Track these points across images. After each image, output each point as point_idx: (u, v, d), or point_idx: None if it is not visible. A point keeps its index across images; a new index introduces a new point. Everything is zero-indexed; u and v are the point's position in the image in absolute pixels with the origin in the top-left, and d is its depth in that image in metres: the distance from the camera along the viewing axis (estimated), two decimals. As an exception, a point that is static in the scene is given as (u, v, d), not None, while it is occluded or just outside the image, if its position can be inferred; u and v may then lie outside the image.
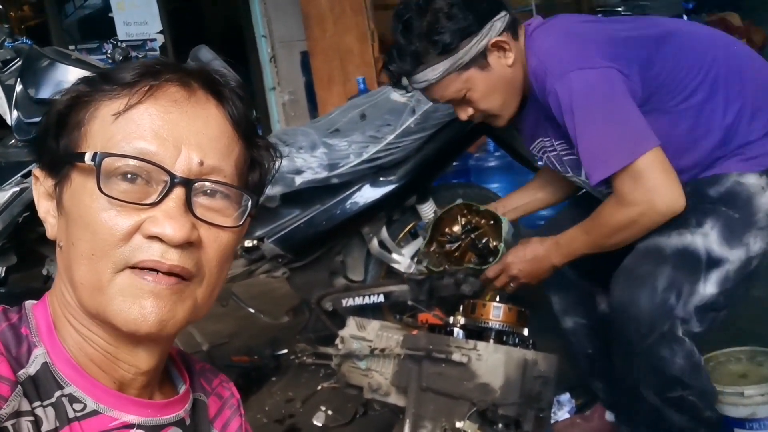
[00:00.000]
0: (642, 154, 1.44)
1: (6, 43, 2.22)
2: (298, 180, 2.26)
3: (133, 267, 0.66)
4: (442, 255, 1.98)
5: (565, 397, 2.06)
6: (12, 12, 6.02)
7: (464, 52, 1.57)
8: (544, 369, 1.47)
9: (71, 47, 4.91)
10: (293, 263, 2.45)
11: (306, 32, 5.53)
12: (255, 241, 2.32)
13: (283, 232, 2.31)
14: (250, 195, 0.73)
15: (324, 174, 2.27)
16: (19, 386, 0.63)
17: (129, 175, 0.66)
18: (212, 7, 7.66)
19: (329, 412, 2.29)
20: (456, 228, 1.85)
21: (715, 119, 1.53)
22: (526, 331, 1.61)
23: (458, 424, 1.45)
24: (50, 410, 0.65)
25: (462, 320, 1.62)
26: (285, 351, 2.80)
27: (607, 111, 1.48)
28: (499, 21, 1.59)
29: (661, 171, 1.45)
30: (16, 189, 1.91)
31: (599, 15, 4.74)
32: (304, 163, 2.26)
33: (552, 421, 1.98)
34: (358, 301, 2.45)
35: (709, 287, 1.45)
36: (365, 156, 2.28)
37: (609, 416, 1.94)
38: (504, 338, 1.58)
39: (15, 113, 1.95)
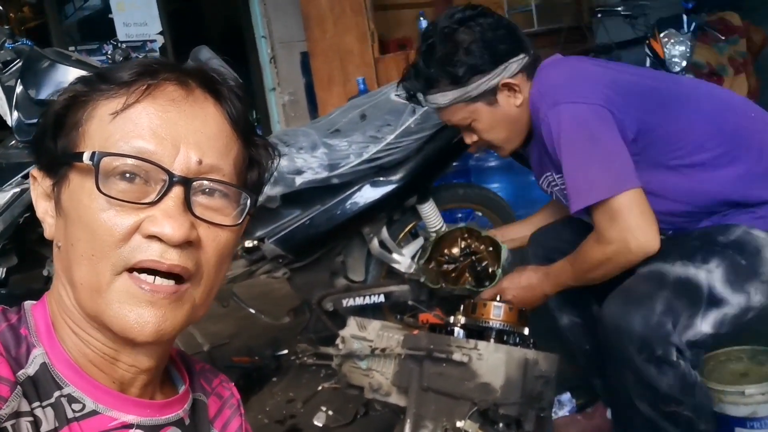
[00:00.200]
0: (620, 192, 1.47)
1: (6, 45, 2.22)
2: (299, 180, 2.25)
3: (132, 268, 0.65)
4: (440, 273, 2.01)
5: (566, 396, 2.06)
6: (12, 13, 6.02)
7: (474, 87, 1.64)
8: (545, 368, 1.47)
9: (71, 48, 4.91)
10: (294, 264, 2.45)
11: (306, 33, 5.53)
12: (255, 242, 2.32)
13: (283, 233, 2.31)
14: (248, 194, 0.73)
15: (324, 174, 2.27)
16: (18, 387, 0.63)
17: (127, 175, 0.66)
18: (212, 8, 7.67)
19: (330, 413, 2.29)
20: (455, 250, 1.88)
21: (721, 179, 1.54)
22: (526, 331, 1.60)
23: (459, 424, 1.45)
24: (49, 410, 0.65)
25: (462, 320, 1.62)
26: (286, 351, 2.80)
27: (591, 145, 1.52)
28: (515, 63, 1.64)
29: (638, 212, 1.48)
30: (17, 190, 1.92)
31: (599, 15, 4.75)
32: (304, 163, 2.26)
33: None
34: (359, 301, 2.45)
35: (705, 325, 1.44)
36: (365, 156, 2.28)
37: (610, 414, 1.94)
38: (505, 338, 1.58)
39: (15, 114, 1.96)
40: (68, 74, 1.89)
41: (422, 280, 1.89)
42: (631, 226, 1.47)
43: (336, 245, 2.52)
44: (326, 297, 2.46)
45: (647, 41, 4.03)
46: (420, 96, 1.74)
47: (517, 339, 1.58)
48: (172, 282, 0.67)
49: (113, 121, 0.67)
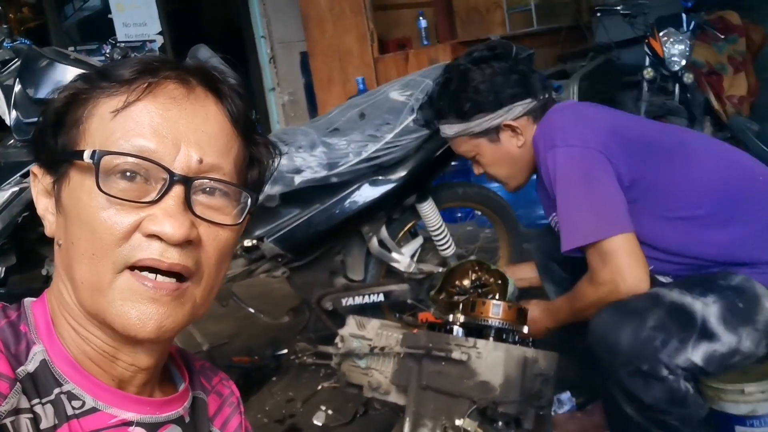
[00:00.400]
0: (611, 235, 1.52)
1: (5, 44, 2.22)
2: (298, 179, 2.25)
3: (132, 267, 0.65)
4: (450, 304, 2.06)
5: (566, 395, 2.05)
6: (11, 13, 6.02)
7: (476, 124, 1.75)
8: (544, 367, 1.47)
9: (71, 48, 4.91)
10: (293, 263, 2.45)
11: (305, 33, 5.54)
12: (254, 241, 2.32)
13: (282, 232, 2.31)
14: (249, 193, 0.73)
15: (323, 173, 2.27)
16: (18, 383, 0.63)
17: (128, 173, 0.66)
18: (211, 8, 7.67)
19: (330, 412, 2.29)
20: (466, 282, 1.90)
21: (719, 240, 1.55)
22: (525, 329, 1.60)
23: (458, 423, 1.45)
24: (49, 407, 0.65)
25: (462, 318, 1.62)
26: (285, 351, 2.80)
27: (585, 187, 1.56)
28: (520, 107, 1.73)
29: (628, 255, 1.51)
30: (16, 189, 1.92)
31: (598, 14, 4.75)
32: (303, 162, 2.26)
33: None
34: (358, 300, 2.45)
35: (695, 355, 1.43)
36: (364, 155, 2.28)
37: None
38: (504, 336, 1.58)
39: (14, 113, 1.95)
40: (66, 73, 1.89)
41: (432, 311, 1.93)
42: (621, 268, 1.51)
43: (335, 244, 2.52)
44: (326, 296, 2.46)
45: (646, 40, 4.03)
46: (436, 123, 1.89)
47: (516, 337, 1.58)
48: (173, 280, 0.67)
49: (114, 119, 0.67)
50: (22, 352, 0.67)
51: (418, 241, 2.58)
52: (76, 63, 1.97)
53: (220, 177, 0.70)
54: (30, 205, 1.89)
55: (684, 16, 4.00)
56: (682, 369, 1.43)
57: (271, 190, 2.23)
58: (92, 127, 0.68)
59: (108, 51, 2.57)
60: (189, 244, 0.67)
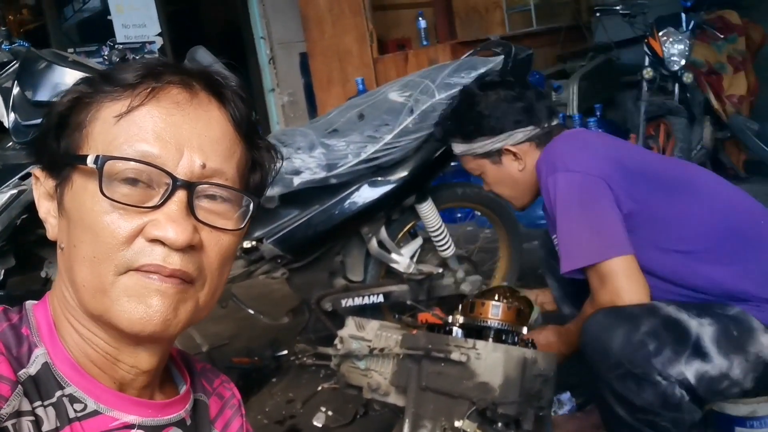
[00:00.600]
0: (609, 257, 1.54)
1: (3, 46, 2.22)
2: (297, 180, 2.25)
3: (136, 270, 0.66)
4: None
5: (566, 395, 2.05)
6: (11, 15, 6.03)
7: (479, 146, 1.85)
8: (543, 367, 1.47)
9: (70, 50, 4.91)
10: (292, 264, 2.45)
11: (305, 34, 5.54)
12: (254, 242, 2.32)
13: (282, 233, 2.31)
14: (251, 197, 0.73)
15: (322, 174, 2.27)
16: (19, 386, 0.63)
17: (131, 178, 0.66)
18: (211, 9, 7.67)
19: (329, 413, 2.29)
20: None
21: (716, 277, 1.56)
22: (525, 330, 1.61)
23: (458, 424, 1.45)
24: (51, 410, 0.65)
25: (461, 319, 1.62)
26: (285, 352, 2.80)
27: (584, 211, 1.59)
28: (521, 133, 1.80)
29: (626, 277, 1.53)
30: (14, 191, 1.91)
31: (598, 14, 4.75)
32: (302, 163, 2.26)
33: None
34: (358, 301, 2.45)
35: (688, 371, 1.43)
36: (363, 156, 2.28)
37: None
38: (503, 337, 1.58)
39: (12, 116, 1.95)
40: (65, 75, 1.89)
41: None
42: (619, 290, 1.53)
43: (335, 245, 2.52)
44: (325, 297, 2.46)
45: (646, 40, 4.04)
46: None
47: (516, 338, 1.58)
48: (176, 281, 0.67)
49: (117, 123, 0.67)
50: (24, 355, 0.67)
51: (418, 241, 2.58)
52: (75, 65, 1.97)
53: (223, 182, 0.70)
54: (29, 208, 1.88)
55: (683, 15, 4.00)
56: (676, 379, 1.43)
57: (270, 191, 2.21)
58: (95, 131, 0.68)
59: (106, 52, 2.56)
60: (191, 249, 0.67)
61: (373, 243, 2.46)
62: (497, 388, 1.47)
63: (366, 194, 2.34)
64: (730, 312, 1.51)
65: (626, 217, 1.59)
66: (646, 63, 4.01)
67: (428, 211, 2.50)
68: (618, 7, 4.24)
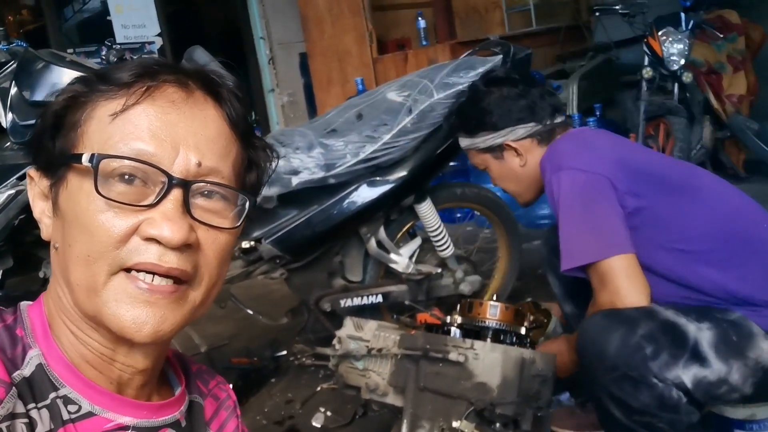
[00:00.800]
0: (608, 256, 1.53)
1: (1, 46, 2.22)
2: (295, 180, 2.25)
3: (129, 269, 0.65)
4: None
5: (565, 396, 2.05)
6: (11, 16, 6.03)
7: (481, 141, 1.88)
8: (542, 368, 1.47)
9: (69, 51, 4.91)
10: (291, 264, 2.45)
11: (304, 34, 5.53)
12: (252, 243, 2.32)
13: (280, 233, 2.31)
14: (247, 196, 0.73)
15: (321, 174, 2.26)
16: (13, 388, 0.63)
17: (126, 177, 0.66)
18: (210, 10, 7.67)
19: (328, 413, 2.29)
20: (525, 323, 1.95)
21: (714, 275, 1.55)
22: (523, 330, 1.61)
23: (456, 424, 1.45)
24: (44, 412, 0.65)
25: (459, 320, 1.62)
26: (284, 352, 2.80)
27: (586, 210, 1.59)
28: (523, 129, 1.82)
29: (626, 276, 1.52)
30: (12, 192, 1.91)
31: (597, 14, 4.75)
32: (300, 163, 2.25)
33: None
34: (357, 301, 2.45)
35: (685, 375, 1.43)
36: (362, 156, 2.28)
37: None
38: (501, 337, 1.58)
39: (10, 116, 1.95)
40: (63, 75, 1.88)
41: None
42: (619, 289, 1.52)
43: (333, 245, 2.52)
44: (324, 297, 2.46)
45: (645, 40, 4.03)
46: None
47: (514, 338, 1.58)
48: (170, 282, 0.67)
49: (113, 122, 0.67)
50: (18, 356, 0.67)
51: (417, 241, 2.58)
52: (73, 65, 1.97)
53: (219, 180, 0.70)
54: (27, 208, 1.88)
55: (683, 15, 4.00)
56: (673, 383, 1.43)
57: (268, 191, 2.23)
58: (90, 130, 0.68)
59: (104, 52, 2.56)
60: (188, 247, 0.67)
61: (372, 243, 2.46)
62: (495, 388, 1.47)
63: (365, 194, 2.34)
64: (729, 317, 1.50)
65: (631, 215, 1.58)
66: (646, 63, 4.01)
67: (427, 211, 2.49)
68: (617, 7, 4.23)
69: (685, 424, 1.46)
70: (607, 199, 1.58)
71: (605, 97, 4.83)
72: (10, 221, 1.91)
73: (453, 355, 1.50)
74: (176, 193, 0.66)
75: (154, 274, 0.66)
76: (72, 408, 0.67)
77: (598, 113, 4.33)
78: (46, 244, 0.73)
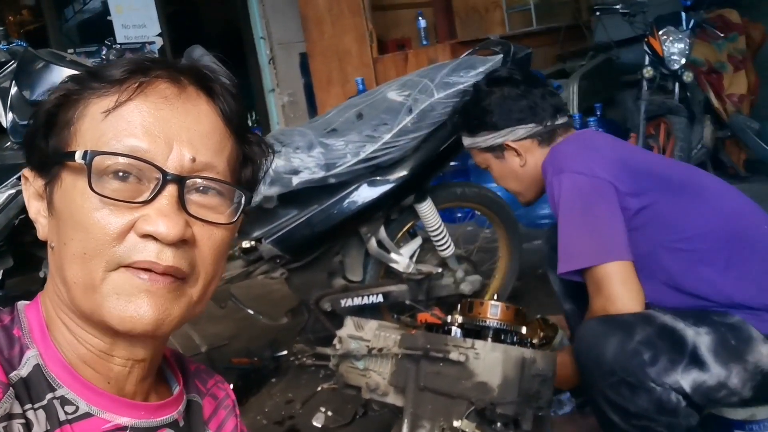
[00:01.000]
0: (604, 262, 1.53)
1: (1, 46, 2.22)
2: (296, 180, 2.25)
3: (128, 267, 0.65)
4: None
5: (566, 396, 2.05)
6: (11, 16, 6.03)
7: (482, 140, 1.89)
8: (542, 367, 1.46)
9: (70, 51, 4.91)
10: (291, 264, 2.45)
11: (304, 34, 5.54)
12: (253, 242, 2.32)
13: (280, 233, 2.31)
14: (243, 191, 0.73)
15: (321, 174, 2.26)
16: (10, 389, 0.62)
17: (120, 173, 0.66)
18: (211, 10, 7.67)
19: (329, 413, 2.29)
20: (536, 340, 1.97)
21: (713, 276, 1.55)
22: (524, 330, 1.60)
23: (456, 424, 1.45)
24: (41, 413, 0.65)
25: (460, 319, 1.62)
26: (284, 352, 2.80)
27: (585, 214, 1.59)
28: (523, 130, 1.82)
29: (621, 283, 1.52)
30: (12, 191, 1.91)
31: (598, 13, 4.74)
32: (301, 163, 2.25)
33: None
34: (357, 301, 2.45)
35: (684, 380, 1.42)
36: (362, 155, 2.27)
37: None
38: (502, 337, 1.58)
39: (10, 115, 1.95)
40: (63, 75, 1.88)
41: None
42: (612, 295, 1.52)
43: (334, 245, 2.52)
44: (324, 297, 2.45)
45: (646, 39, 4.03)
46: None
47: (515, 338, 1.58)
48: (168, 279, 0.67)
49: (105, 119, 0.67)
50: (15, 357, 0.66)
51: (417, 241, 2.57)
52: (72, 65, 1.97)
53: (214, 176, 0.70)
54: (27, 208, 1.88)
55: (683, 14, 4.00)
56: (672, 387, 1.42)
57: (269, 191, 2.22)
58: (83, 127, 0.68)
59: (104, 52, 2.56)
60: (184, 243, 0.67)
61: (372, 243, 2.46)
62: (496, 387, 1.47)
63: (365, 194, 2.33)
64: (728, 320, 1.49)
65: (634, 215, 1.58)
66: (646, 62, 4.00)
67: (427, 211, 2.49)
68: (618, 6, 4.23)
69: (684, 427, 1.45)
70: (607, 203, 1.58)
71: (606, 96, 4.83)
72: (10, 221, 1.91)
73: (454, 355, 1.50)
74: (171, 189, 0.66)
75: (151, 272, 0.65)
76: (69, 408, 0.67)
77: (598, 113, 4.33)
78: (45, 244, 0.73)
